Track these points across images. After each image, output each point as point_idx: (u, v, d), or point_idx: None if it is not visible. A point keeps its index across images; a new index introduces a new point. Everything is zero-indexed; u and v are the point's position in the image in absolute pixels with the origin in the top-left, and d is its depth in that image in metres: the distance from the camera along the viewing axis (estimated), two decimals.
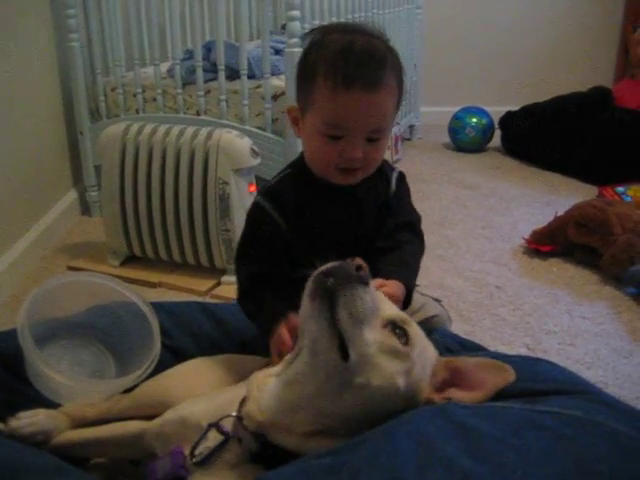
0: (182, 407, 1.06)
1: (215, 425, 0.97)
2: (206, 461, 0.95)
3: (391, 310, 0.96)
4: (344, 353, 0.88)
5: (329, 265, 0.91)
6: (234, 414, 0.96)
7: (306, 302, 0.91)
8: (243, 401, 0.97)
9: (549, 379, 1.01)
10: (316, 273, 0.90)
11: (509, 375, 0.93)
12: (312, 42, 1.20)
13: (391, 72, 1.15)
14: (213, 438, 0.97)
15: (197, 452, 0.96)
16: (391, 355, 0.90)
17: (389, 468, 0.77)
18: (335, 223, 1.24)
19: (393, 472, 0.76)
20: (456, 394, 0.93)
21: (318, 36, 1.19)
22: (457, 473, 0.75)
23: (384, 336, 0.91)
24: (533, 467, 0.76)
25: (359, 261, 0.91)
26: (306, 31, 1.20)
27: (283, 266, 1.24)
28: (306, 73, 1.19)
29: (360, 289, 0.89)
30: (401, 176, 1.34)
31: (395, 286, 1.11)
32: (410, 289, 1.17)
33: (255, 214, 1.27)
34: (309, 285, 0.91)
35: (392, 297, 1.06)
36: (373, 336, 0.89)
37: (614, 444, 0.81)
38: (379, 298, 0.95)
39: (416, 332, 0.95)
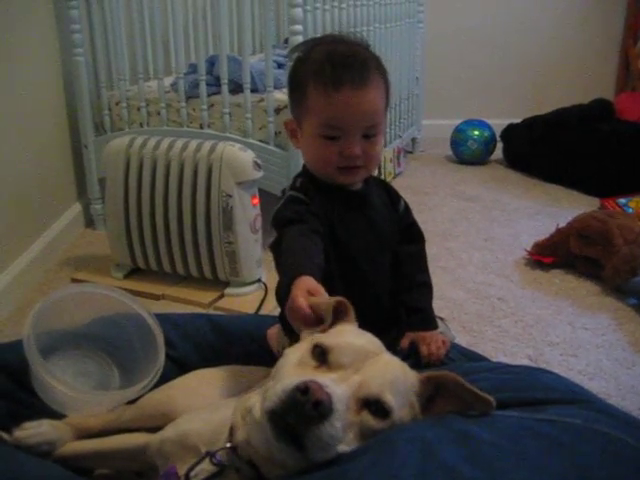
0: (180, 424, 1.05)
1: (212, 455, 0.94)
2: None
3: (361, 389, 0.87)
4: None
5: (282, 398, 0.82)
6: (228, 445, 0.93)
7: (271, 440, 0.84)
8: (232, 430, 0.94)
9: (549, 388, 1.01)
10: (271, 408, 0.82)
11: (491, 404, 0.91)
12: (298, 58, 1.29)
13: (375, 71, 1.24)
14: (210, 463, 0.95)
15: (192, 474, 0.95)
16: (371, 433, 0.86)
17: (389, 475, 0.77)
18: (353, 225, 1.30)
19: (393, 479, 0.76)
20: (442, 407, 0.92)
21: (302, 51, 1.29)
22: None
23: (360, 421, 0.86)
24: (532, 474, 0.76)
25: (316, 393, 0.81)
26: (291, 48, 1.30)
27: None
28: (296, 86, 1.28)
29: (327, 424, 0.81)
30: (403, 197, 1.44)
31: (439, 341, 1.30)
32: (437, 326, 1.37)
33: (291, 201, 1.25)
34: (269, 425, 0.83)
35: (438, 358, 1.26)
36: (350, 436, 0.85)
37: (612, 452, 0.82)
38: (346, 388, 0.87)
39: (392, 391, 0.88)
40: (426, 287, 1.43)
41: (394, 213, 1.39)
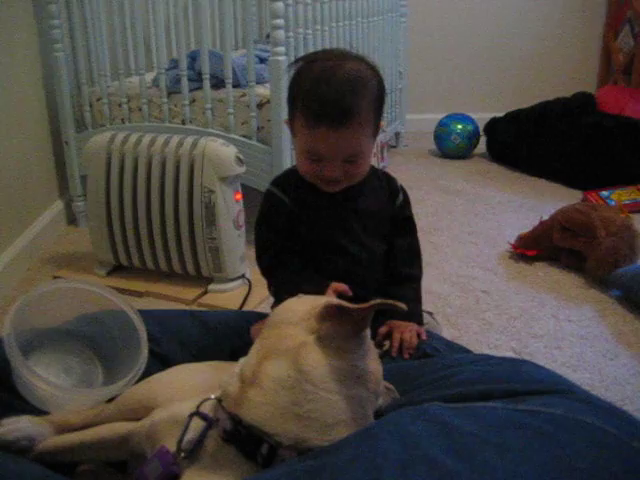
0: (170, 406, 1.05)
1: (196, 413, 0.96)
2: (194, 452, 0.95)
3: None
4: None
5: None
6: (213, 397, 0.96)
7: None
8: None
9: (531, 380, 1.01)
10: None
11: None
12: (297, 71, 1.31)
13: (363, 101, 1.24)
14: (194, 429, 0.96)
15: (183, 446, 0.95)
16: None
17: (370, 468, 0.77)
18: (332, 215, 1.36)
19: (374, 472, 0.76)
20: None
21: (301, 66, 1.30)
22: (439, 472, 0.75)
23: None
24: (514, 465, 0.76)
25: None
26: (292, 61, 1.35)
27: (295, 245, 1.37)
28: (291, 103, 1.31)
29: None
30: (404, 191, 1.48)
31: (414, 331, 1.32)
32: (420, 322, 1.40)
33: (266, 202, 1.40)
34: None
35: (411, 345, 1.29)
36: None
37: (594, 441, 0.82)
38: None
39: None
40: (412, 280, 1.44)
41: (389, 203, 1.43)
